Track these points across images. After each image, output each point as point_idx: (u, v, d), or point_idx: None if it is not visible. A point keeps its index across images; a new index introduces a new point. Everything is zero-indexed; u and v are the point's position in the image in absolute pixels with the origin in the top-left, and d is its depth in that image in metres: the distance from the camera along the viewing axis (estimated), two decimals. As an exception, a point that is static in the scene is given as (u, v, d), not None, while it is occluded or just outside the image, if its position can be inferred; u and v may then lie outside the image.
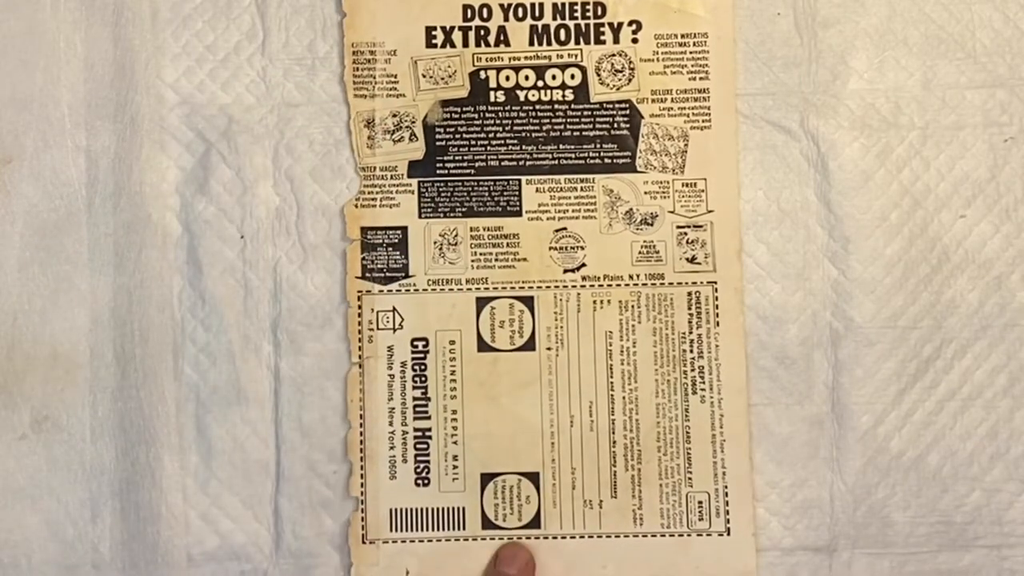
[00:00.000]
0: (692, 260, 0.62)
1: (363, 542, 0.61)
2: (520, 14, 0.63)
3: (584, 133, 0.62)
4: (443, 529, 0.61)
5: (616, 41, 0.63)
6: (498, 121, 0.63)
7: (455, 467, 0.61)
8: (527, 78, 0.63)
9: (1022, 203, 0.62)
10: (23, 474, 0.61)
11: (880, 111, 0.62)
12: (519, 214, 0.62)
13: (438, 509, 0.61)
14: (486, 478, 0.61)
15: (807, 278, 0.62)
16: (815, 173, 0.62)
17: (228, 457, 0.61)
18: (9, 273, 0.62)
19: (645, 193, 0.62)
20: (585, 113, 0.62)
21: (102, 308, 0.62)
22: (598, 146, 0.62)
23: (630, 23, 0.63)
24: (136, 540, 0.61)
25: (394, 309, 0.62)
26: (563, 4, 0.63)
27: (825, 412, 0.61)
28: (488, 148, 0.62)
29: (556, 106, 0.63)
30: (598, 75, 0.63)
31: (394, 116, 0.63)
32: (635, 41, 0.63)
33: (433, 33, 0.63)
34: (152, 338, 0.62)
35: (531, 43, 0.63)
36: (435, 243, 0.62)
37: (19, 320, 0.62)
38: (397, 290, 0.62)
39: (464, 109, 0.63)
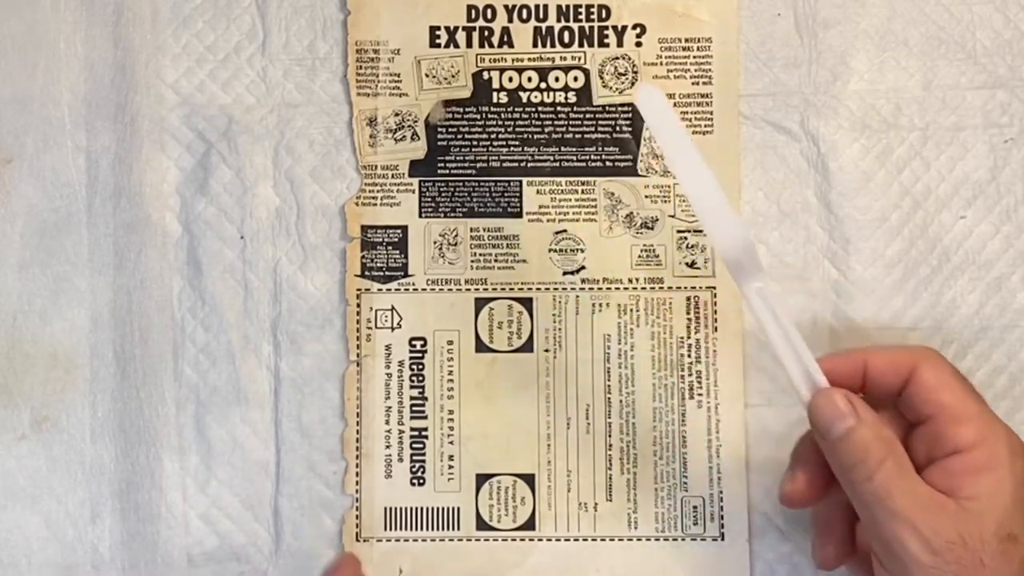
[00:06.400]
0: (692, 265, 0.62)
1: (357, 540, 0.61)
2: (524, 15, 0.63)
3: (586, 136, 0.62)
4: (437, 529, 0.61)
5: (620, 44, 0.63)
6: (500, 122, 0.63)
7: (451, 467, 0.62)
8: (530, 79, 0.63)
9: (1022, 204, 0.62)
10: (23, 474, 0.62)
11: (880, 112, 0.62)
12: (519, 215, 0.62)
13: (433, 509, 0.61)
14: (481, 479, 0.62)
15: (807, 279, 0.62)
16: (815, 174, 0.62)
17: (228, 457, 0.62)
18: (9, 273, 0.62)
19: (646, 197, 0.62)
20: (587, 115, 0.62)
21: (102, 308, 0.62)
22: (600, 149, 0.62)
23: (634, 27, 0.63)
24: (136, 540, 0.61)
25: (393, 308, 0.62)
26: (567, 6, 0.63)
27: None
28: (490, 149, 0.63)
29: (558, 108, 0.63)
30: (601, 78, 0.63)
31: (396, 115, 0.63)
32: (639, 45, 0.63)
33: (437, 33, 0.63)
34: (152, 338, 0.62)
35: (535, 45, 0.63)
36: (435, 243, 0.62)
37: (19, 320, 0.62)
38: (396, 289, 0.62)
39: (466, 109, 0.63)
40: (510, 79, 0.63)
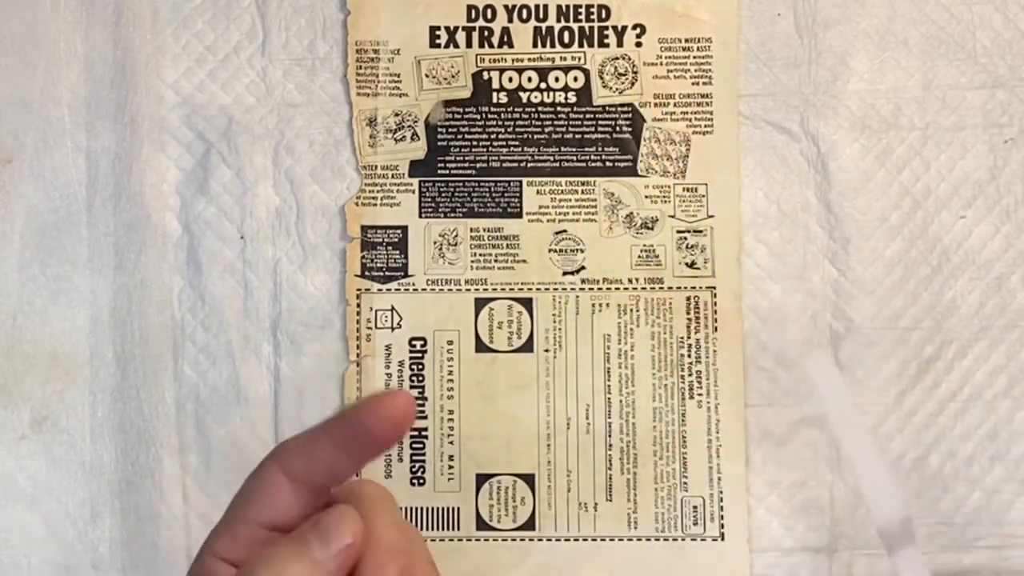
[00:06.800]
0: (691, 265, 0.62)
1: (357, 540, 0.61)
2: (524, 15, 0.63)
3: (586, 136, 0.62)
4: (437, 529, 0.61)
5: (620, 44, 0.63)
6: (500, 122, 0.63)
7: (451, 467, 0.62)
8: (530, 80, 0.63)
9: (1022, 204, 0.62)
10: (23, 474, 0.62)
11: (880, 112, 0.62)
12: (519, 216, 0.62)
13: (433, 509, 0.61)
14: (481, 479, 0.62)
15: (807, 279, 0.62)
16: (815, 174, 0.62)
17: (228, 457, 0.62)
18: (9, 273, 0.62)
19: (646, 197, 0.62)
20: (587, 116, 0.62)
21: (102, 308, 0.62)
22: (600, 149, 0.62)
23: (634, 27, 0.63)
24: (136, 540, 0.61)
25: (393, 308, 0.62)
26: (567, 6, 0.63)
27: (825, 413, 0.61)
28: (490, 149, 0.63)
29: (558, 108, 0.63)
30: (601, 78, 0.63)
31: (396, 115, 0.63)
32: (639, 45, 0.63)
33: (437, 33, 0.63)
34: (152, 338, 0.62)
35: (535, 45, 0.63)
36: (435, 243, 0.62)
37: (19, 320, 0.62)
38: (396, 289, 0.62)
39: (466, 110, 0.63)
40: (510, 79, 0.63)
